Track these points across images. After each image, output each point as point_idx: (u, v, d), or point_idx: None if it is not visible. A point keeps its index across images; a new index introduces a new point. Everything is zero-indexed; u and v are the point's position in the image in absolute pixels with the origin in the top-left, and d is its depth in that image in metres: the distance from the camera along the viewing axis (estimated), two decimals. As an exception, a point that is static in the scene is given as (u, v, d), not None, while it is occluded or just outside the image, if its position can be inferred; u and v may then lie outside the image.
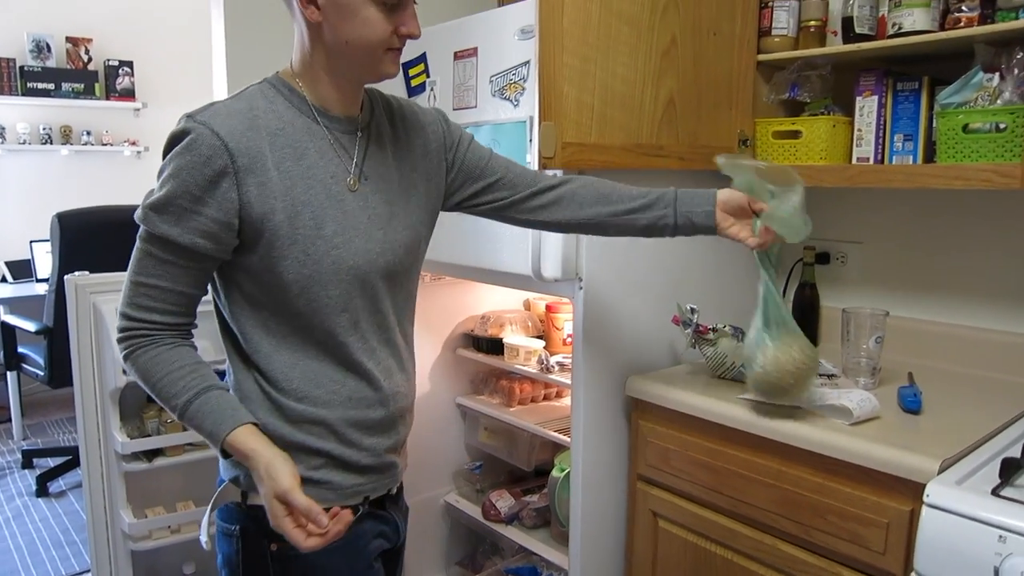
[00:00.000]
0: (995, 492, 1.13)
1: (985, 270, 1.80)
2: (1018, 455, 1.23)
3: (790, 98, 1.88)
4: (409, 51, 1.99)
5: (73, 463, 3.64)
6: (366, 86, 1.20)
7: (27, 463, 3.84)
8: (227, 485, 1.17)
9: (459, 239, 1.90)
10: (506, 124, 1.71)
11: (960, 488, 1.16)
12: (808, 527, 1.39)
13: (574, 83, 1.53)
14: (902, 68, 1.76)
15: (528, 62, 1.64)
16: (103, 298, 1.89)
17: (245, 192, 1.05)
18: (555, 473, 2.04)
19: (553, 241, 1.63)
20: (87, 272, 1.93)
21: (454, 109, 1.86)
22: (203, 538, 1.19)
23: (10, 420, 4.16)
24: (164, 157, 1.07)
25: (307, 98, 1.13)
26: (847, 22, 1.74)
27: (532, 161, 1.61)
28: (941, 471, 1.21)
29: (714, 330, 1.70)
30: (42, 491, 3.50)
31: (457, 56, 1.83)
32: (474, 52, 1.78)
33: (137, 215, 1.07)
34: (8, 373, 3.84)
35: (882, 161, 1.76)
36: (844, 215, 2.03)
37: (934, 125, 1.67)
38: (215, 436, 1.06)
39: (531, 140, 1.62)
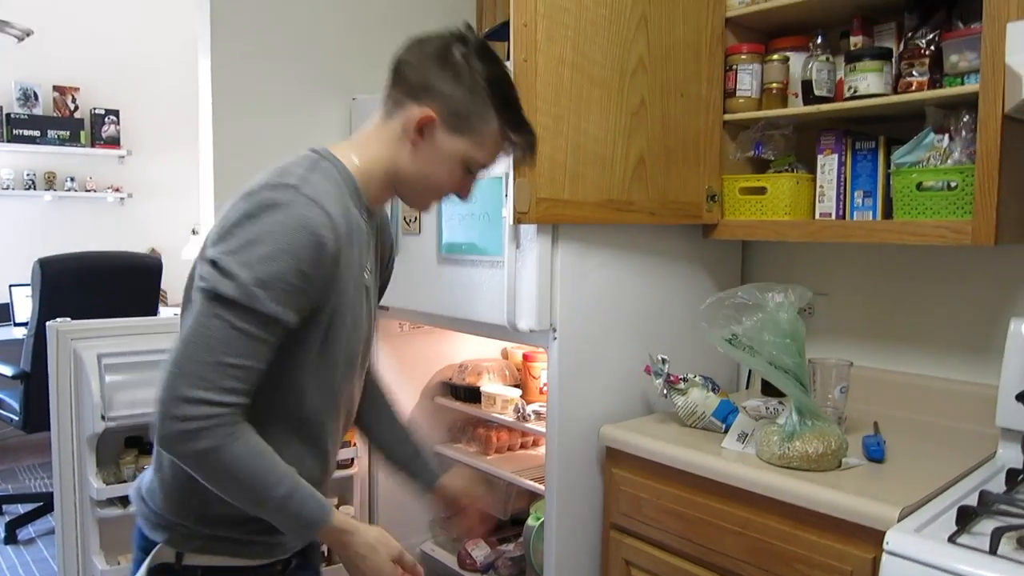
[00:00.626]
0: (951, 539, 1.17)
1: (945, 322, 1.86)
2: (975, 503, 1.28)
3: (755, 156, 1.96)
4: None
5: (44, 509, 3.58)
6: None
7: (-3, 509, 3.77)
8: (161, 547, 1.12)
9: (436, 289, 1.95)
10: (482, 181, 1.76)
11: (918, 536, 1.20)
12: (777, 575, 1.41)
13: (547, 141, 1.59)
14: (860, 128, 1.85)
15: (504, 121, 1.70)
16: (84, 344, 1.91)
17: (334, 281, 1.04)
18: (530, 522, 2.05)
19: (528, 292, 1.68)
20: (68, 319, 1.95)
21: (433, 164, 1.92)
22: None
23: (-19, 466, 4.09)
24: (254, 220, 0.98)
25: (363, 196, 1.14)
26: (807, 85, 1.83)
27: (507, 216, 1.66)
28: (901, 519, 1.25)
29: (685, 380, 1.74)
30: (11, 538, 3.44)
31: (436, 113, 1.89)
32: (453, 110, 1.84)
33: (234, 292, 0.96)
34: (-19, 417, 3.80)
35: (844, 216, 1.84)
36: (810, 268, 2.10)
37: (891, 182, 1.75)
38: (321, 518, 1.05)
39: (506, 195, 1.68)
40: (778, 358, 1.46)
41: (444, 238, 1.90)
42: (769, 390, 1.93)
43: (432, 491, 1.37)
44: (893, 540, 1.20)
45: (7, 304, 4.34)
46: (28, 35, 3.24)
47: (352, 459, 2.30)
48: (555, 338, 1.71)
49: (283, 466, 1.02)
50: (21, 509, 3.68)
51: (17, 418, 3.42)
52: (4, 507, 3.78)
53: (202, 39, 2.19)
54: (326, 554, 1.70)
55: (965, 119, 1.60)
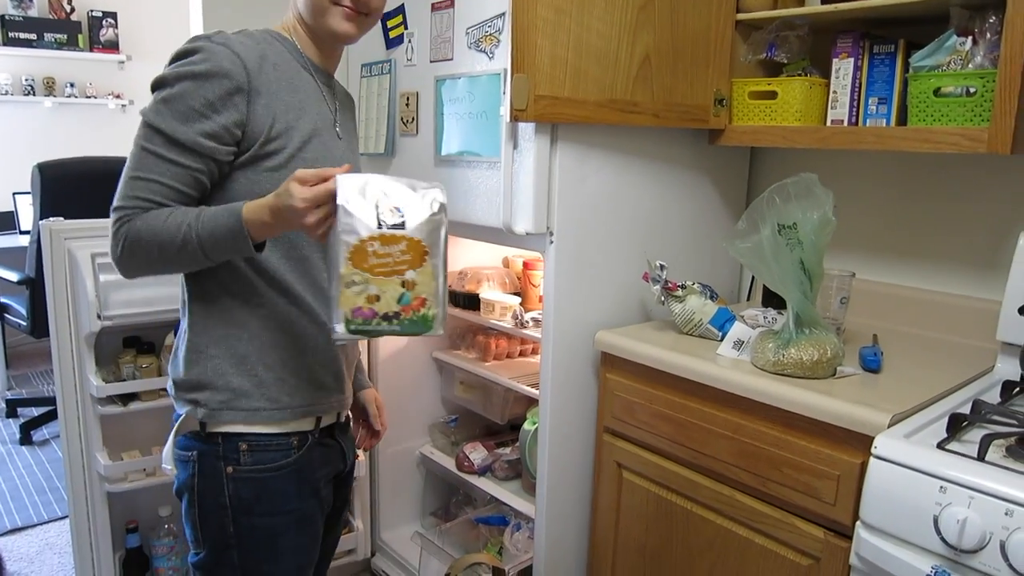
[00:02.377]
0: (940, 445, 1.17)
1: (952, 235, 1.82)
2: (967, 412, 1.27)
3: (767, 58, 1.88)
4: (389, 2, 1.98)
5: (56, 413, 3.66)
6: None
7: (11, 412, 3.86)
8: (186, 416, 1.23)
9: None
10: (481, 76, 1.71)
11: (907, 441, 1.19)
12: (765, 479, 1.42)
13: (548, 35, 1.52)
14: (879, 31, 1.76)
15: (503, 14, 1.63)
16: (78, 243, 1.89)
17: (252, 110, 1.16)
18: (527, 426, 2.07)
19: (525, 194, 1.64)
20: (62, 219, 1.93)
21: (431, 61, 1.85)
22: (166, 465, 1.26)
23: (-6, 370, 4.17)
24: (172, 64, 1.15)
25: (297, 46, 1.28)
26: (826, -18, 1.74)
27: (505, 114, 1.61)
28: (891, 425, 1.24)
29: (683, 287, 1.72)
30: (26, 439, 3.54)
31: (434, 7, 1.81)
32: (451, 3, 1.76)
33: (144, 109, 1.14)
34: (-9, 322, 3.85)
35: (856, 124, 1.77)
36: (820, 178, 2.03)
37: (908, 88, 1.67)
38: (236, 218, 1.10)
39: (504, 92, 1.62)
40: (809, 258, 1.41)
41: (442, 139, 1.85)
42: (770, 301, 1.90)
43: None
44: (881, 445, 1.19)
45: (12, 212, 4.33)
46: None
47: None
48: (552, 242, 1.68)
49: (180, 211, 1.13)
50: (35, 412, 3.77)
51: (25, 323, 3.47)
52: (19, 410, 3.88)
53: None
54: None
55: (991, 20, 1.52)
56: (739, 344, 1.58)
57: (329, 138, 1.29)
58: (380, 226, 1.05)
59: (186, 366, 1.23)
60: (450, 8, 1.77)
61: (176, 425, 1.25)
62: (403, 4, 1.92)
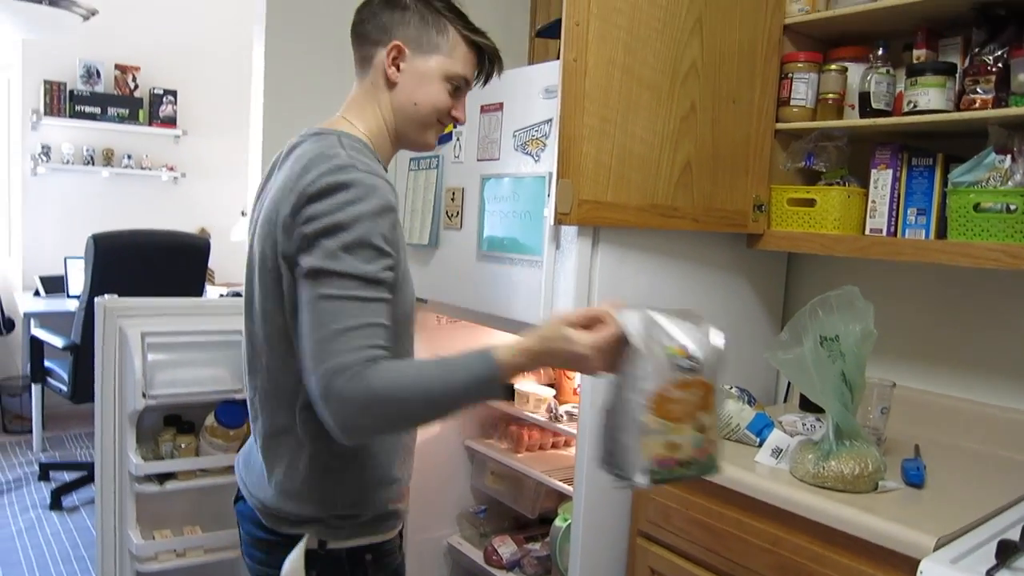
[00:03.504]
0: (989, 574, 1.14)
1: (993, 346, 1.80)
2: (1016, 538, 1.24)
3: (806, 167, 1.92)
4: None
5: (88, 479, 3.69)
6: None
7: (44, 475, 3.89)
8: (308, 537, 1.18)
9: (474, 285, 1.95)
10: (526, 178, 1.77)
11: (954, 567, 1.16)
12: (803, 596, 1.39)
13: (593, 143, 1.58)
14: (917, 143, 1.80)
15: (551, 120, 1.70)
16: (130, 322, 1.96)
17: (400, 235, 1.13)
18: (558, 522, 2.05)
19: (565, 294, 1.67)
20: (116, 295, 2.00)
21: (478, 160, 1.92)
22: None
23: (31, 431, 4.23)
24: (323, 200, 1.05)
25: (377, 156, 1.22)
26: (864, 97, 1.79)
27: (549, 216, 1.66)
28: (937, 548, 1.21)
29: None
30: (56, 504, 3.55)
31: (483, 109, 1.90)
32: (500, 107, 1.84)
33: (320, 262, 1.03)
34: (32, 385, 3.93)
35: (895, 234, 1.79)
36: (857, 284, 2.03)
37: (947, 201, 1.69)
38: (489, 363, 1.03)
39: (549, 195, 1.67)
40: (850, 370, 1.41)
41: (485, 234, 1.90)
42: (807, 406, 1.89)
43: None
44: (928, 570, 1.16)
45: (62, 276, 4.47)
46: (93, 14, 3.32)
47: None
48: (591, 341, 1.70)
49: (417, 365, 1.06)
50: (67, 477, 3.80)
51: (66, 388, 3.53)
52: (51, 474, 3.91)
53: (257, 23, 2.23)
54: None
55: (1030, 139, 1.55)
56: (777, 452, 1.57)
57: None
58: (677, 370, 1.01)
59: None
60: (499, 111, 1.85)
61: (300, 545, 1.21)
62: (453, 104, 2.01)
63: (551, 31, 2.09)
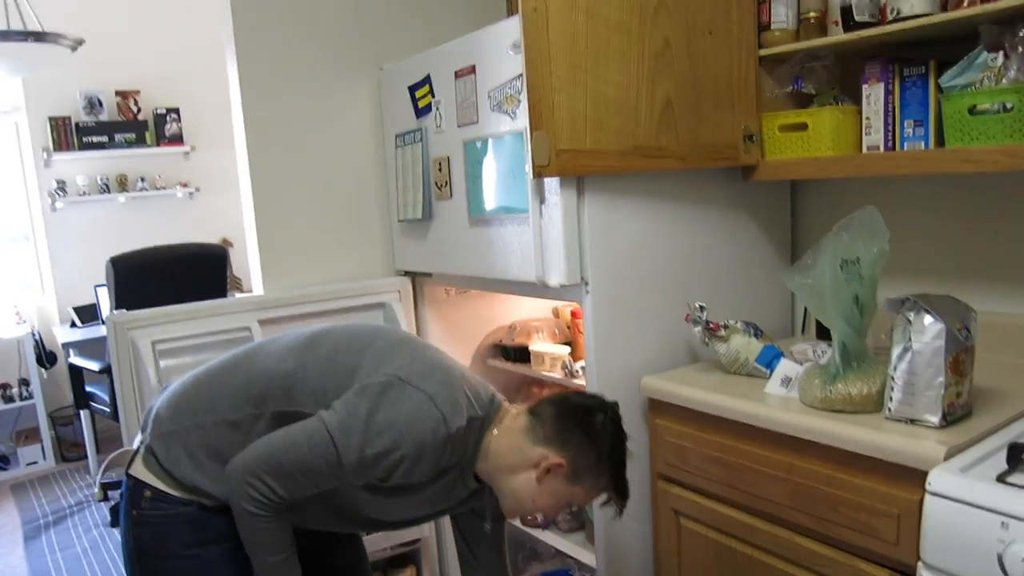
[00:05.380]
0: (1000, 479, 1.10)
1: (999, 254, 1.73)
2: (1030, 439, 1.19)
3: (795, 91, 1.86)
4: (414, 73, 2.06)
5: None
6: None
7: (103, 495, 4.00)
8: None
9: (470, 251, 1.95)
10: (505, 136, 1.75)
11: (964, 475, 1.12)
12: (822, 520, 1.36)
13: (564, 92, 1.56)
14: (908, 54, 1.73)
15: (521, 75, 1.67)
16: (139, 333, 1.99)
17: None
18: (583, 480, 2.04)
19: (555, 247, 1.66)
20: (125, 310, 2.03)
21: (459, 126, 1.91)
22: None
23: (87, 457, 4.35)
24: (398, 411, 1.26)
25: (473, 461, 1.35)
26: (847, 11, 1.72)
27: (528, 170, 1.64)
28: (947, 458, 1.18)
29: (725, 326, 1.69)
30: (115, 522, 3.66)
31: (458, 75, 1.88)
32: (472, 69, 1.83)
33: (339, 449, 1.24)
34: (80, 412, 4.04)
35: (893, 148, 1.73)
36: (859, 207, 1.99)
37: (941, 108, 1.63)
38: None
39: (527, 150, 1.65)
40: (864, 292, 1.38)
41: (473, 199, 1.89)
42: (824, 334, 1.85)
43: None
44: (936, 480, 1.13)
45: (94, 304, 4.57)
46: (80, 44, 3.36)
47: (417, 539, 2.39)
48: (588, 292, 1.68)
49: (287, 542, 1.31)
50: (120, 493, 3.90)
51: (108, 409, 3.63)
52: (109, 493, 4.02)
53: (224, 23, 2.22)
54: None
55: (1022, 33, 1.48)
56: (787, 381, 1.54)
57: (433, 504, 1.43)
58: None
59: None
60: (472, 74, 1.83)
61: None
62: (428, 74, 1.99)
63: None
